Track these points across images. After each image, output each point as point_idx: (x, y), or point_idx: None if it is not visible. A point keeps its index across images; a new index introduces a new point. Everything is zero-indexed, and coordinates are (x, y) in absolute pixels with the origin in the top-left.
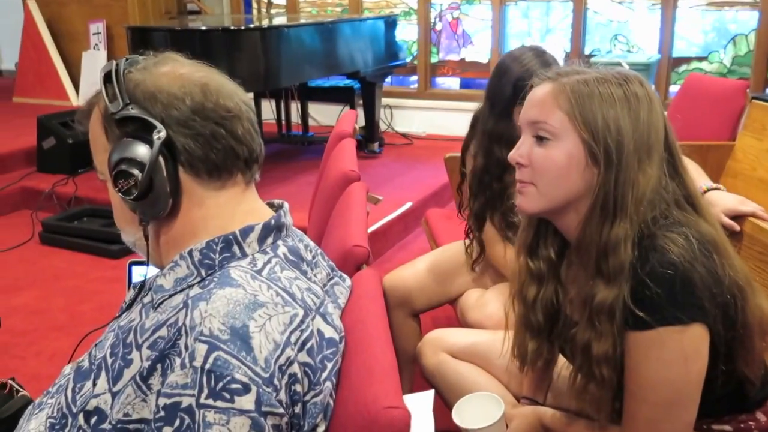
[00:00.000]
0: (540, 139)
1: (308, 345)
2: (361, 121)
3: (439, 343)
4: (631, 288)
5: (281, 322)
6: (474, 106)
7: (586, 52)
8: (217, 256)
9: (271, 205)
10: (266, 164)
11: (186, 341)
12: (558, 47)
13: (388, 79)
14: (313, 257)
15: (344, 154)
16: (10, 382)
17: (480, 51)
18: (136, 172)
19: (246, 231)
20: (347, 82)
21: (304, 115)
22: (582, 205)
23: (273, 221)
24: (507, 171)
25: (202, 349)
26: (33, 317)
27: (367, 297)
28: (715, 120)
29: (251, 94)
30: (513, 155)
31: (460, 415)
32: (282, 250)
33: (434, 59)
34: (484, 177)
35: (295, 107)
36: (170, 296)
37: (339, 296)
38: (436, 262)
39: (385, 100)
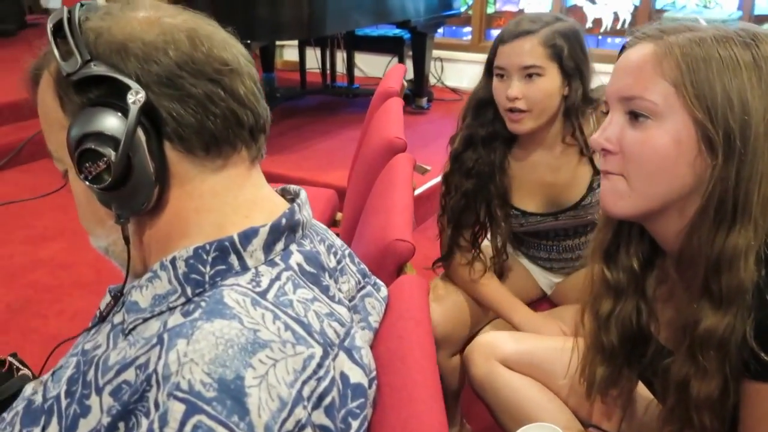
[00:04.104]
0: (635, 118)
1: (327, 399)
2: (410, 74)
3: (491, 350)
4: (756, 323)
5: (290, 369)
6: None
7: (657, 6)
8: (208, 269)
9: (284, 193)
10: (309, 116)
11: (157, 396)
12: (626, 0)
13: (440, 30)
14: (338, 262)
15: (390, 117)
16: (10, 359)
17: (540, 1)
18: (107, 151)
19: (248, 235)
20: (397, 31)
21: (350, 65)
22: (689, 206)
23: (284, 221)
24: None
25: (177, 410)
26: (59, 271)
27: (410, 317)
28: None
29: (295, 42)
30: (597, 139)
31: None
32: (296, 258)
33: (490, 9)
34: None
35: (340, 57)
36: (145, 320)
37: (371, 312)
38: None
39: (435, 52)
